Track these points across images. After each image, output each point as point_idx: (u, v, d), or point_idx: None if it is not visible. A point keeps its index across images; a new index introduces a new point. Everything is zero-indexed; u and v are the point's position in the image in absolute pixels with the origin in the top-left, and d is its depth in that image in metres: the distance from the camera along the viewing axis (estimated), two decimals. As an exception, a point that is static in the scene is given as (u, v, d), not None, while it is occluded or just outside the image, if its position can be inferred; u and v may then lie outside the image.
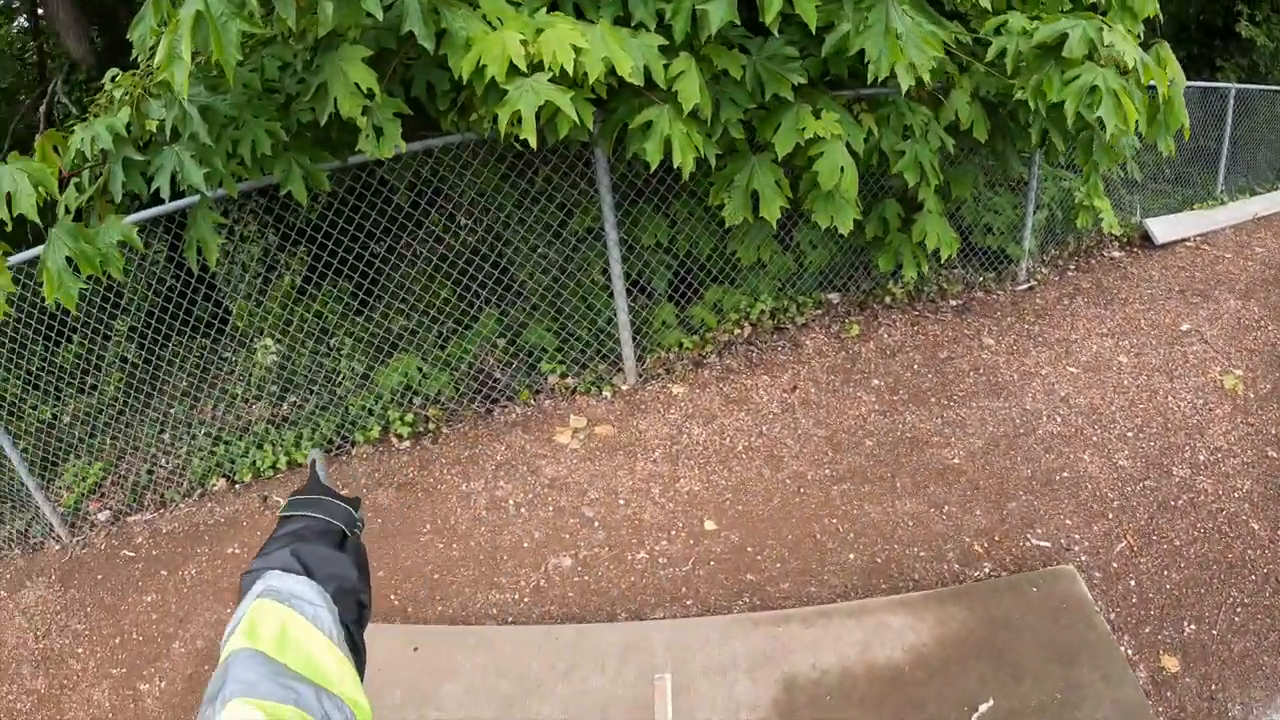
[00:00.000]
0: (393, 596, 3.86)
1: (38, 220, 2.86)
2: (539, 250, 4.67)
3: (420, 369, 4.43)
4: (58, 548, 4.84)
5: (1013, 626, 3.18)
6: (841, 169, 3.71)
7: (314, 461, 1.19)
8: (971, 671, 3.02)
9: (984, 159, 4.96)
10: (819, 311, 5.22)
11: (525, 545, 3.93)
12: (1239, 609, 3.39)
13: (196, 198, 3.58)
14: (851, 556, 3.67)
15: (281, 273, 4.89)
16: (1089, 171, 4.63)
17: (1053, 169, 5.54)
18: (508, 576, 3.80)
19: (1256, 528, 3.78)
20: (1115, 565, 3.58)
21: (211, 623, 3.99)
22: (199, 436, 4.84)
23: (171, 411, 4.98)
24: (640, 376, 4.64)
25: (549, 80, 3.06)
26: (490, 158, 4.33)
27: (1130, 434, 4.29)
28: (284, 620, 0.87)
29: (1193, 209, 6.60)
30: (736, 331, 4.91)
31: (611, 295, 4.44)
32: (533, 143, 3.08)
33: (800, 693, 2.98)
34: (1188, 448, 4.21)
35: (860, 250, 5.15)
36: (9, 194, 2.81)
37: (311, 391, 4.69)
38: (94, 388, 5.09)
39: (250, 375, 4.78)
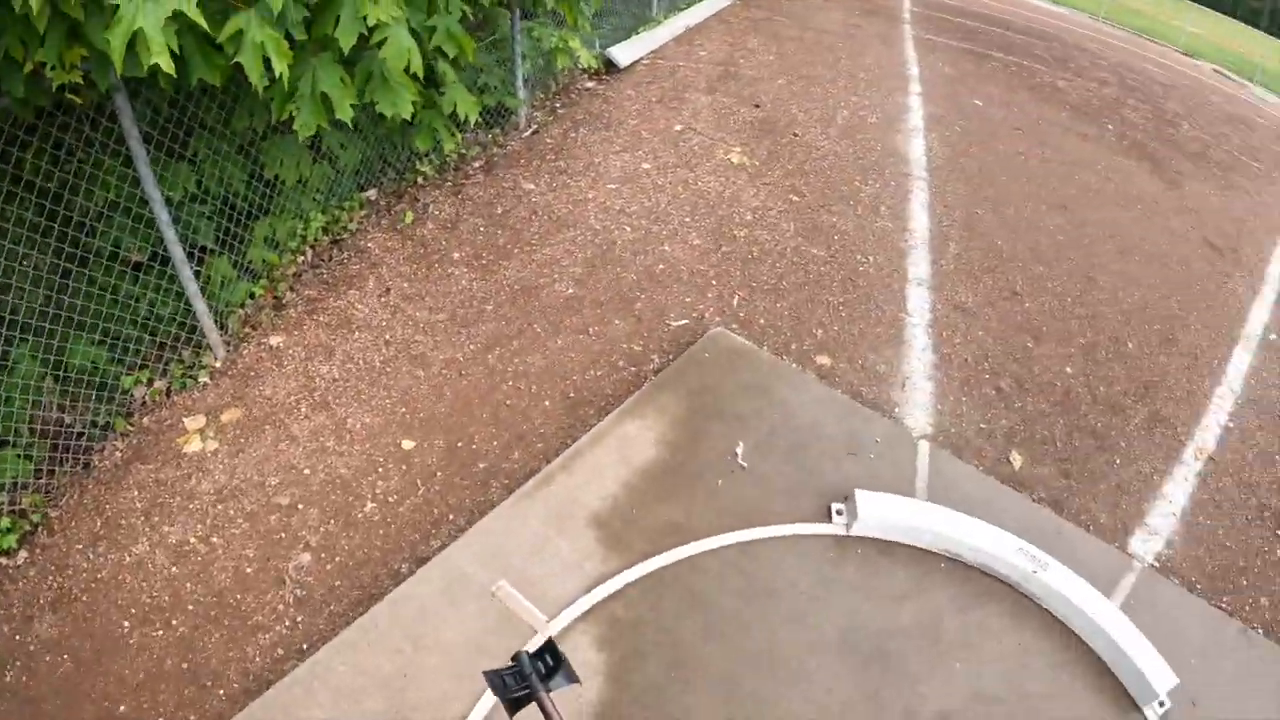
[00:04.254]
0: None
1: None
2: (28, 257, 3.61)
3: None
4: None
5: (712, 389, 3.80)
6: (409, 52, 3.49)
7: None
8: (714, 430, 3.59)
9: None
10: (364, 213, 4.97)
11: (247, 571, 3.24)
12: (840, 308, 4.46)
13: None
14: (547, 404, 3.83)
15: None
16: (572, 16, 5.06)
17: (525, 22, 5.86)
18: (257, 599, 3.14)
19: (816, 252, 4.83)
20: (742, 314, 4.36)
21: None
22: None
23: None
24: (230, 346, 4.02)
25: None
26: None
27: (688, 219, 5.06)
28: None
29: (638, 33, 7.58)
30: (300, 259, 4.50)
31: (165, 271, 3.68)
32: (168, 67, 2.54)
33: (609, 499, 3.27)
34: (735, 215, 5.13)
35: (381, 141, 4.96)
36: None
37: None
38: None
39: None
